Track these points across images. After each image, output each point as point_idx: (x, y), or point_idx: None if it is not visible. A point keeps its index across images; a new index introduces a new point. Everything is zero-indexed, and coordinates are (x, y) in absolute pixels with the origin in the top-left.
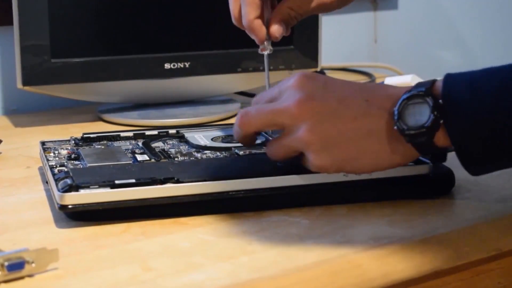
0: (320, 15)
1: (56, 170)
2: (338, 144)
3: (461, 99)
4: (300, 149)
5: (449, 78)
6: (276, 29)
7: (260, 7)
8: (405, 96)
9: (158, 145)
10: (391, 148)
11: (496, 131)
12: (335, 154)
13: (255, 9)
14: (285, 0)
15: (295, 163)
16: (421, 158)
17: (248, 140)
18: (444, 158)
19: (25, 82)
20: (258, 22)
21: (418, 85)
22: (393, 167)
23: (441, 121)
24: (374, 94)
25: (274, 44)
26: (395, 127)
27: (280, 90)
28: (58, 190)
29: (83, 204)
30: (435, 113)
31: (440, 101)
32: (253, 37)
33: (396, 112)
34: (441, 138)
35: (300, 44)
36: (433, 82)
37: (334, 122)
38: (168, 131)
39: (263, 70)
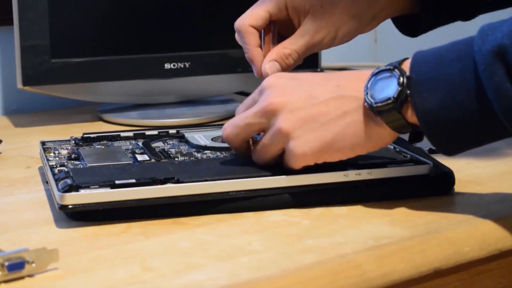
0: None
1: (56, 170)
2: (314, 129)
3: (427, 72)
4: (280, 144)
5: (418, 54)
6: (269, 67)
7: (257, 37)
8: (374, 72)
9: (158, 145)
10: (366, 128)
11: (460, 109)
12: (312, 140)
13: (254, 39)
14: (284, 41)
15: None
16: (421, 158)
17: (242, 150)
18: (420, 138)
19: (25, 82)
20: (258, 52)
21: (390, 63)
22: (371, 148)
23: (408, 92)
24: (345, 78)
25: None
26: (366, 104)
27: (253, 96)
28: (58, 190)
29: (83, 204)
30: (402, 84)
31: (408, 73)
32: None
33: (365, 88)
34: (410, 113)
35: None
36: (405, 59)
37: (308, 109)
38: (168, 131)
39: None
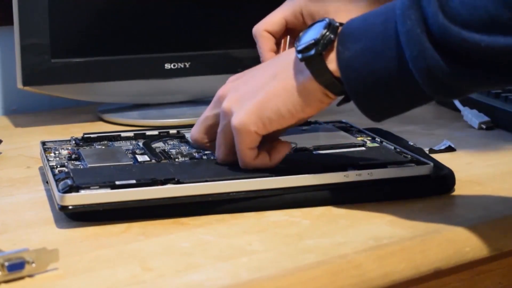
0: None
1: (56, 171)
2: (250, 98)
3: (356, 23)
4: (228, 126)
5: (352, 19)
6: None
7: (272, 41)
8: (310, 24)
9: (158, 145)
10: (296, 82)
11: (376, 56)
12: (248, 107)
13: (267, 43)
14: None
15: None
16: (421, 158)
17: (211, 147)
18: (347, 99)
19: (25, 82)
20: (271, 56)
21: None
22: (307, 108)
23: (332, 37)
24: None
25: None
26: (294, 54)
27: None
28: (59, 191)
29: (83, 205)
30: (327, 27)
31: (338, 23)
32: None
33: (296, 39)
34: (332, 62)
35: None
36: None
37: (246, 86)
38: (168, 131)
39: None
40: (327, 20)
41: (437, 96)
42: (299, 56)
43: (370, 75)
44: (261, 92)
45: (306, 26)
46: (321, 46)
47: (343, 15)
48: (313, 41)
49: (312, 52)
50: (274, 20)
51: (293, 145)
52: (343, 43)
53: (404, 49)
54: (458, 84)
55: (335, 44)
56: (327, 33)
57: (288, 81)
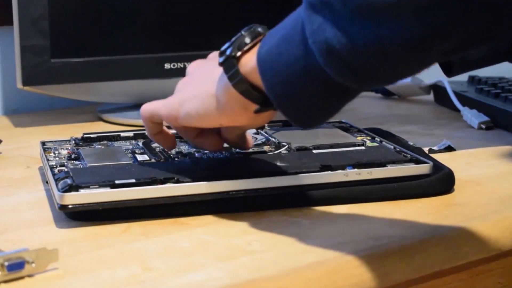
0: None
1: (56, 170)
2: (182, 91)
3: (276, 28)
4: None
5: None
6: None
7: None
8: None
9: (158, 145)
10: (216, 86)
11: (284, 43)
12: (175, 97)
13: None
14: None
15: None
16: (421, 158)
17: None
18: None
19: (25, 82)
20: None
21: None
22: (222, 113)
23: (248, 41)
24: None
25: None
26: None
27: None
28: (58, 190)
29: (83, 204)
30: (246, 31)
31: (260, 29)
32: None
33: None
34: (251, 63)
35: None
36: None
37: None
38: None
39: None
40: (250, 27)
41: (342, 80)
42: (219, 60)
43: (285, 67)
44: (190, 90)
45: None
46: (237, 47)
47: None
48: (229, 43)
49: (228, 58)
50: None
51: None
52: (263, 42)
53: (306, 27)
54: (356, 61)
55: (256, 47)
56: (243, 34)
57: (211, 86)
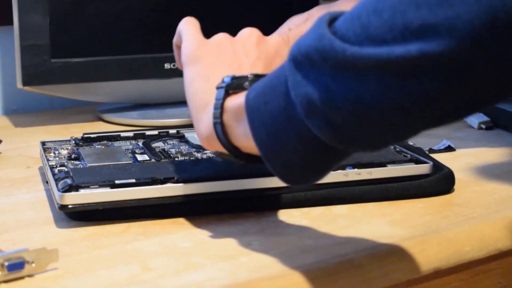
0: None
1: (56, 170)
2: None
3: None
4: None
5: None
6: None
7: None
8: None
9: (158, 145)
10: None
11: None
12: (196, 64)
13: None
14: None
15: None
16: (421, 158)
17: None
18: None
19: (25, 82)
20: None
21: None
22: (198, 130)
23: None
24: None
25: None
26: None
27: None
28: (58, 190)
29: (83, 204)
30: (246, 78)
31: (250, 75)
32: None
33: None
34: (232, 103)
35: None
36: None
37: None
38: (168, 131)
39: None
40: (244, 75)
41: (324, 138)
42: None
43: (269, 116)
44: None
45: None
46: (227, 90)
47: None
48: (224, 82)
49: (222, 89)
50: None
51: None
52: (252, 88)
53: (288, 79)
54: (338, 119)
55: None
56: (236, 79)
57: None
